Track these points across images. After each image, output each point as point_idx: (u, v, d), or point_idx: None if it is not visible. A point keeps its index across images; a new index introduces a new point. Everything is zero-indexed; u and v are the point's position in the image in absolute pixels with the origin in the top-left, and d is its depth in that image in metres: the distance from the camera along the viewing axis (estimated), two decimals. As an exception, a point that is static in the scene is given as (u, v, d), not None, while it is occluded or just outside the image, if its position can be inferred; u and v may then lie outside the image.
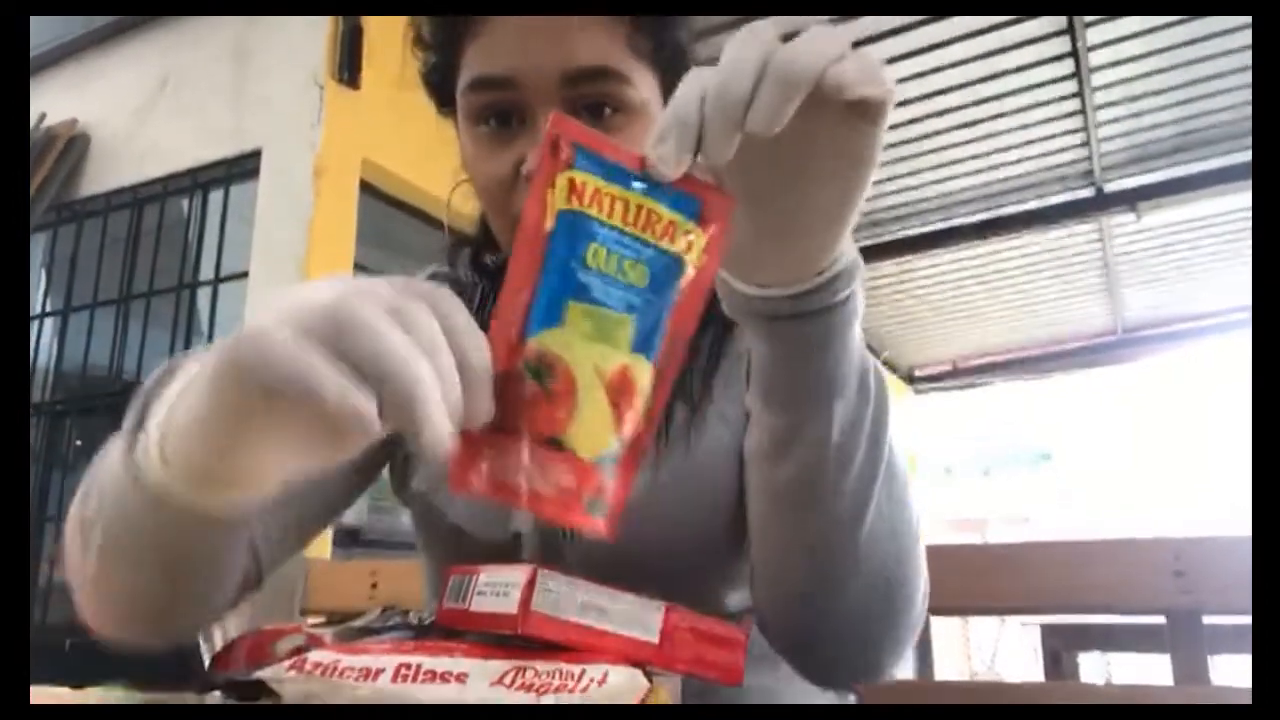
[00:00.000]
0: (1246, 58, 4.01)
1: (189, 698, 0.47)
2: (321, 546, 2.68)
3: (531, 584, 0.45)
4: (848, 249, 0.51)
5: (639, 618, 0.48)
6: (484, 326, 0.43)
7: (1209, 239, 5.76)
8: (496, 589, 0.47)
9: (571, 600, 0.46)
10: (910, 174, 5.02)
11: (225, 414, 0.41)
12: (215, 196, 3.58)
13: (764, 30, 0.42)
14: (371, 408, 0.35)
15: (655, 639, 0.48)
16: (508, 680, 0.42)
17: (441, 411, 0.36)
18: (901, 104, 4.39)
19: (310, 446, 0.40)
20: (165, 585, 0.58)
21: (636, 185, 0.42)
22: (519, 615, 0.44)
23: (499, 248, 0.80)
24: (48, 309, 4.06)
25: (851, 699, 0.78)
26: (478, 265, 0.84)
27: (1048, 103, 4.41)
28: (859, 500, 0.57)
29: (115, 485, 0.53)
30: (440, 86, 0.79)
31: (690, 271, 0.43)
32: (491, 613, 0.46)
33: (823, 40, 0.41)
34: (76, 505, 0.59)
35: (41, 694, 0.44)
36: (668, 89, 0.73)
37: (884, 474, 0.58)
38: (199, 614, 0.64)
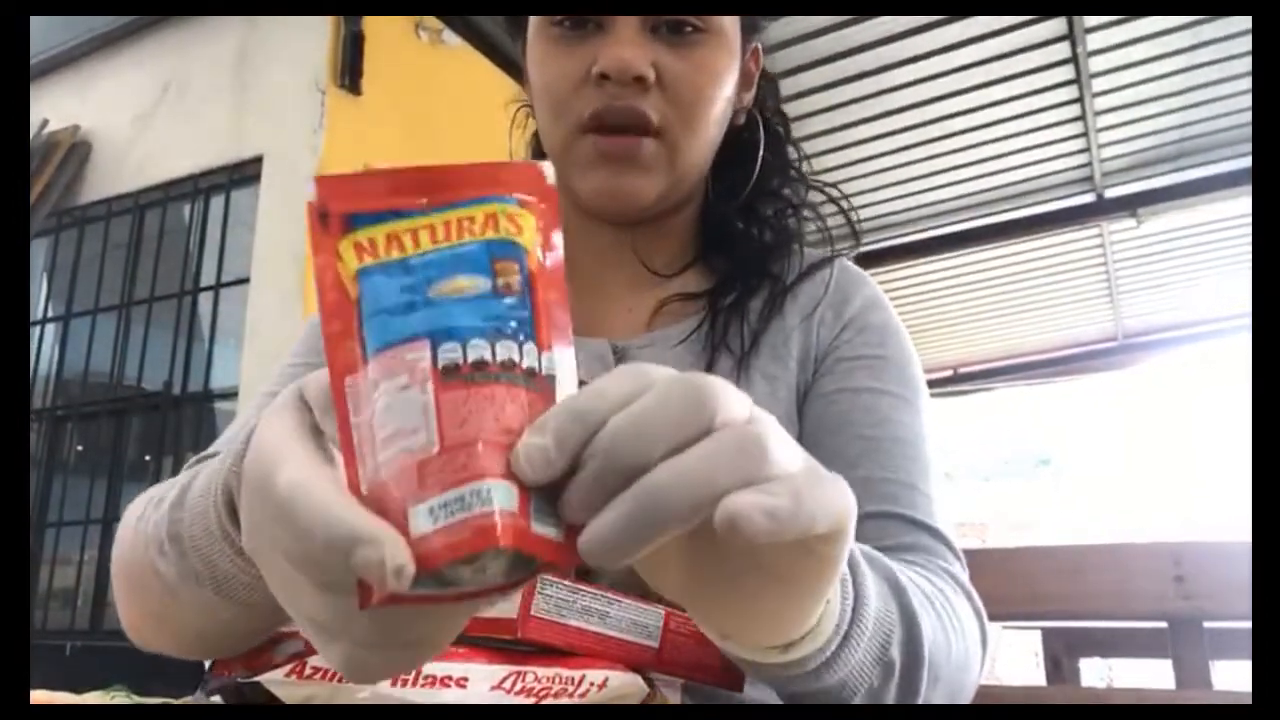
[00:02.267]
0: (1247, 64, 4.01)
1: (189, 701, 0.47)
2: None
3: (532, 588, 0.45)
4: (828, 628, 0.43)
5: (640, 622, 0.48)
6: None
7: (1210, 244, 5.75)
8: None
9: (572, 604, 0.46)
10: (910, 180, 5.03)
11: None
12: (217, 202, 3.58)
13: (664, 419, 0.29)
14: None
15: (656, 644, 0.48)
16: (507, 685, 0.42)
17: None
18: (902, 109, 4.40)
19: None
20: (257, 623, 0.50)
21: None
22: (519, 619, 0.44)
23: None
24: (49, 315, 4.06)
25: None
26: None
27: (1048, 108, 4.42)
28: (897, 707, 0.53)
29: (207, 538, 0.45)
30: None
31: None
32: (491, 618, 0.46)
33: (725, 456, 0.29)
34: (143, 548, 0.50)
35: (42, 699, 0.44)
36: (745, 24, 0.72)
37: (925, 686, 0.52)
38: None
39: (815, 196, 0.81)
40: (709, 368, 0.69)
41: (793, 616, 0.39)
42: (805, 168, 0.82)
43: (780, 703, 0.69)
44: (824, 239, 0.80)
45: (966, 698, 0.60)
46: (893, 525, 0.63)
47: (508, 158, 0.82)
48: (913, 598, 0.51)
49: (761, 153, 0.76)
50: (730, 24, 0.70)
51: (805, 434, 0.69)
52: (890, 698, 0.50)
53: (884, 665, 0.49)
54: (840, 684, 0.46)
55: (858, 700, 0.49)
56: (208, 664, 0.54)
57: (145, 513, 0.51)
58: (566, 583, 0.46)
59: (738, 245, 0.77)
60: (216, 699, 0.47)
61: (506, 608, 0.45)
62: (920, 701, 0.52)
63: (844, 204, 0.80)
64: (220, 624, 0.47)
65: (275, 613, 0.42)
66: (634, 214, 0.71)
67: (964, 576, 0.63)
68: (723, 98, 0.69)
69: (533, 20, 0.71)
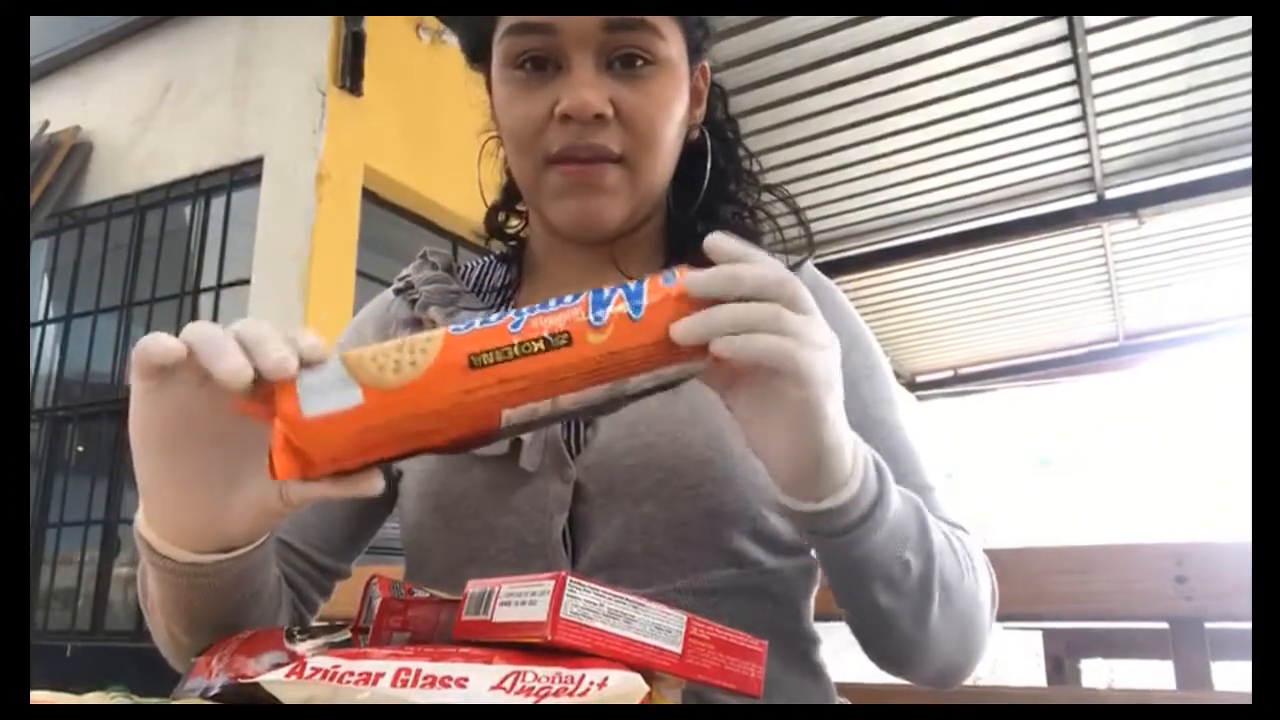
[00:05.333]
0: (1248, 64, 4.02)
1: (187, 700, 0.47)
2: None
3: (560, 591, 0.45)
4: (855, 486, 0.56)
5: (663, 627, 0.48)
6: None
7: (1211, 245, 5.76)
8: (522, 598, 0.47)
9: (598, 608, 0.46)
10: (912, 180, 5.03)
11: (139, 435, 0.53)
12: (218, 203, 3.59)
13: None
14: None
15: (678, 649, 0.48)
16: (507, 684, 0.42)
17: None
18: (903, 110, 4.41)
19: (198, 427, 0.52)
20: (206, 636, 0.63)
21: None
22: (549, 622, 0.44)
23: (520, 197, 0.84)
24: (50, 316, 4.06)
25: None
26: (498, 232, 0.88)
27: (1049, 109, 4.42)
28: (912, 627, 0.63)
29: (143, 553, 0.60)
30: (474, 37, 0.79)
31: None
32: (518, 621, 0.46)
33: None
34: (139, 574, 0.65)
35: (42, 699, 0.44)
36: (689, 48, 0.77)
37: (939, 603, 0.62)
38: None
39: (782, 200, 0.87)
40: None
41: (792, 461, 0.54)
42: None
43: (786, 703, 0.70)
44: (780, 242, 0.85)
45: (978, 641, 0.67)
46: None
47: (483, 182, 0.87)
48: (929, 518, 0.62)
49: (716, 162, 0.82)
50: (677, 53, 0.74)
51: None
52: (909, 598, 0.61)
53: (901, 563, 0.59)
54: (865, 557, 0.58)
55: (879, 590, 0.60)
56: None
57: None
58: (594, 586, 0.46)
59: (702, 248, 0.80)
60: (213, 699, 0.47)
61: (535, 611, 0.45)
62: (934, 617, 0.62)
63: (800, 213, 0.86)
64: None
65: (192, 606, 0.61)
66: (603, 236, 0.76)
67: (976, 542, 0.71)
68: (675, 122, 0.75)
69: (495, 63, 0.75)
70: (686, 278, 0.50)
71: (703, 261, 0.81)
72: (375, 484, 0.50)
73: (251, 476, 0.53)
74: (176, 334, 0.50)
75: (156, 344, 0.49)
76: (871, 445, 0.71)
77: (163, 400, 0.51)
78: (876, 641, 0.66)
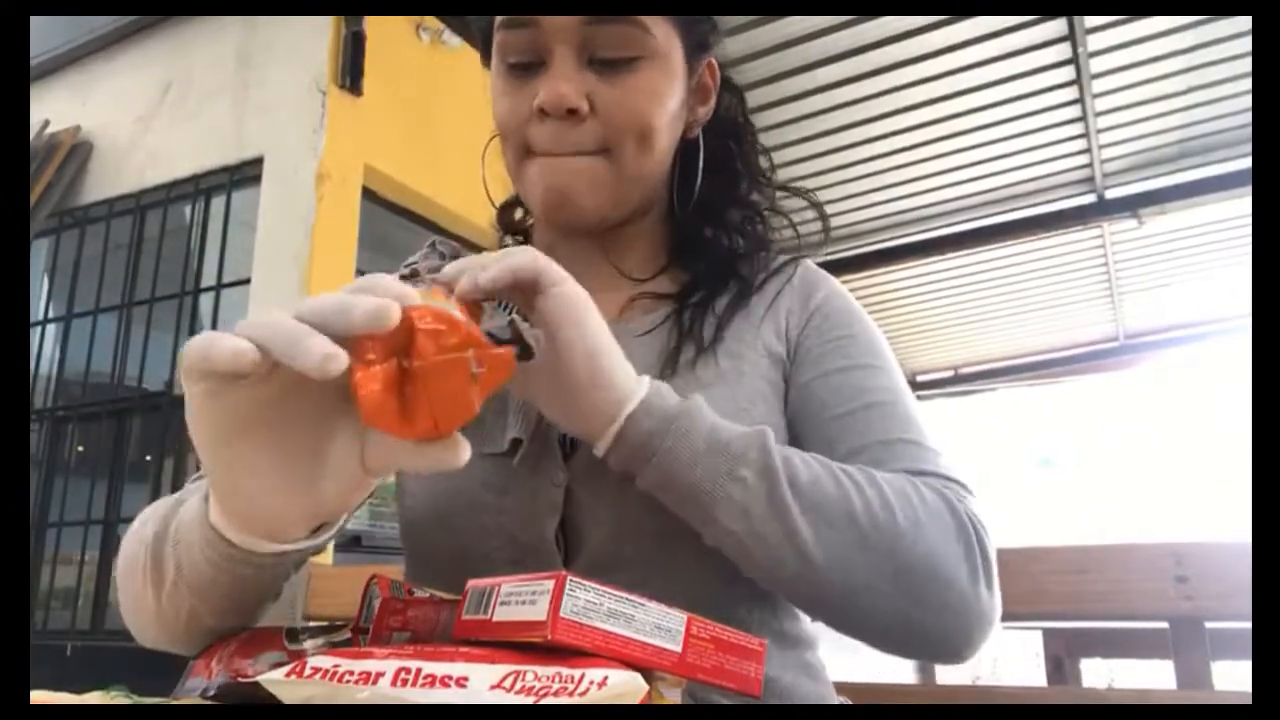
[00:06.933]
0: (1248, 64, 4.02)
1: (188, 700, 0.47)
2: (324, 553, 2.68)
3: (560, 591, 0.45)
4: (638, 399, 0.60)
5: (663, 626, 0.48)
6: None
7: (1211, 245, 5.75)
8: (522, 597, 0.47)
9: (599, 608, 0.46)
10: (913, 180, 5.03)
11: (207, 437, 0.48)
12: (218, 203, 3.59)
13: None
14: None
15: (678, 648, 0.48)
16: (507, 684, 0.42)
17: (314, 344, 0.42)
18: (903, 110, 4.40)
19: (263, 416, 0.47)
20: (234, 618, 0.59)
21: None
22: (549, 622, 0.44)
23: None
24: (50, 315, 4.06)
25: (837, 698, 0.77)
26: (511, 227, 0.89)
27: (1049, 109, 4.42)
28: (794, 557, 0.61)
29: (200, 539, 0.54)
30: (482, 37, 0.81)
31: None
32: (518, 621, 0.46)
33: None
34: (148, 538, 0.60)
35: (42, 699, 0.44)
36: (688, 44, 0.76)
37: (813, 524, 0.61)
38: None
39: (795, 201, 0.86)
40: (675, 354, 0.74)
41: (582, 378, 0.59)
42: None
43: (785, 703, 0.69)
44: (796, 245, 0.84)
45: (929, 584, 0.62)
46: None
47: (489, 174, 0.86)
48: (774, 445, 0.62)
49: (729, 163, 0.81)
50: (667, 49, 0.73)
51: (789, 426, 0.73)
52: (766, 520, 0.60)
53: (735, 479, 0.60)
54: (683, 477, 0.61)
55: (726, 516, 0.61)
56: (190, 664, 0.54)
57: (147, 516, 0.61)
58: (594, 586, 0.46)
59: (708, 251, 0.81)
60: (212, 699, 0.47)
61: (535, 610, 0.45)
62: (810, 541, 0.60)
63: (820, 208, 0.85)
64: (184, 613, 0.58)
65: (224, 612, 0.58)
66: (584, 226, 0.75)
67: (958, 491, 0.67)
68: (663, 117, 0.73)
69: (493, 58, 0.76)
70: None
71: (700, 260, 0.81)
72: (461, 453, 0.47)
73: (336, 453, 0.50)
74: (176, 336, 0.49)
75: (219, 349, 0.43)
76: (830, 414, 0.71)
77: (230, 399, 0.46)
78: (789, 589, 0.64)
